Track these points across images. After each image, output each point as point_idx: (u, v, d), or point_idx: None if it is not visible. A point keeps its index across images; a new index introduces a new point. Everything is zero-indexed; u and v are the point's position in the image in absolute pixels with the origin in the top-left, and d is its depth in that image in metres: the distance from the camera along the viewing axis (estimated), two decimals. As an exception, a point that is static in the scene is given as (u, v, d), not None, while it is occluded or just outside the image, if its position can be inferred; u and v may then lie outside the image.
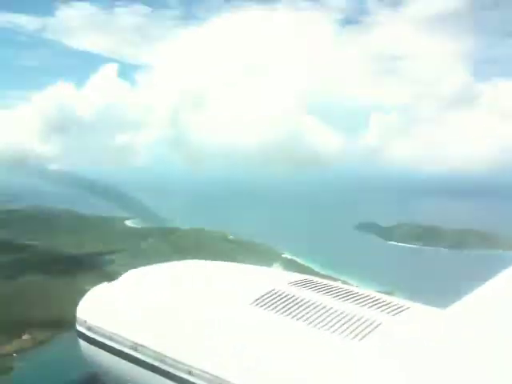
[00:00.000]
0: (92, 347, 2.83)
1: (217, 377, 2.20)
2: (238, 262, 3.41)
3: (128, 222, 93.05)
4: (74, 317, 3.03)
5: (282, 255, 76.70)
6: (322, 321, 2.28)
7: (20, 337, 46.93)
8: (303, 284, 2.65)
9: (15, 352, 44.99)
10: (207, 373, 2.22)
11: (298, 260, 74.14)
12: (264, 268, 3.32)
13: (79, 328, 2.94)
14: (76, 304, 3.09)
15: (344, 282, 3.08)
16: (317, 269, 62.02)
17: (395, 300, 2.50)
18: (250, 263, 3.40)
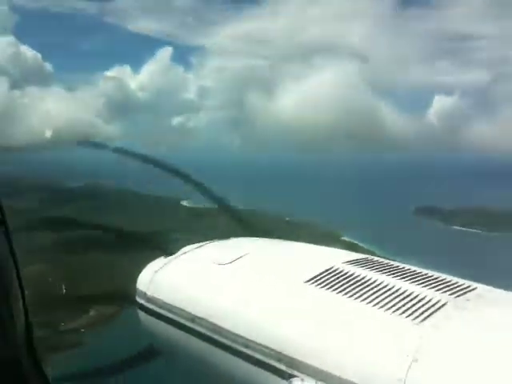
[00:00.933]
0: (150, 318, 2.96)
1: (272, 349, 2.22)
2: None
3: (184, 202, 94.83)
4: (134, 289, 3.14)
5: (341, 238, 75.14)
6: (381, 300, 2.19)
7: (87, 312, 48.28)
8: (362, 263, 2.57)
9: (83, 327, 46.08)
10: (262, 345, 2.26)
11: (359, 243, 71.67)
12: (321, 247, 3.22)
13: (139, 299, 3.08)
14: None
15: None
16: (380, 253, 60.00)
17: (460, 281, 2.35)
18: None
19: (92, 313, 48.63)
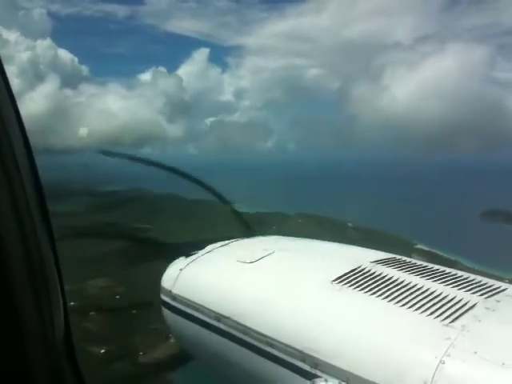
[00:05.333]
0: (175, 316, 3.11)
1: (296, 349, 2.34)
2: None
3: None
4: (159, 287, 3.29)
5: (416, 246, 71.77)
6: (409, 300, 2.31)
7: (167, 339, 38.27)
8: (390, 262, 2.72)
9: (165, 358, 38.37)
10: (287, 345, 2.38)
11: (438, 252, 68.35)
12: (347, 245, 3.38)
13: (163, 297, 3.23)
14: None
15: None
16: (467, 263, 56.56)
17: (490, 281, 2.48)
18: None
19: (173, 339, 42.67)
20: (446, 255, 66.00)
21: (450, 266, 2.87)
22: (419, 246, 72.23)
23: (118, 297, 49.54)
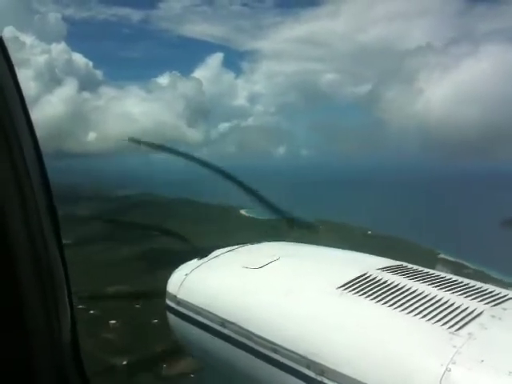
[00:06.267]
0: (180, 321, 3.17)
1: (302, 356, 2.38)
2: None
3: (243, 212, 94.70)
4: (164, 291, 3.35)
5: (439, 256, 70.77)
6: (415, 308, 2.35)
7: None
8: (396, 269, 2.76)
9: (191, 371, 35.95)
10: (292, 351, 2.41)
11: (463, 262, 67.04)
12: (355, 252, 3.38)
13: (168, 302, 3.30)
14: None
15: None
16: (494, 274, 55.03)
17: (497, 289, 2.50)
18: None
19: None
20: (471, 265, 64.86)
21: (474, 277, 2.85)
22: (443, 256, 71.11)
23: (137, 305, 48.60)
